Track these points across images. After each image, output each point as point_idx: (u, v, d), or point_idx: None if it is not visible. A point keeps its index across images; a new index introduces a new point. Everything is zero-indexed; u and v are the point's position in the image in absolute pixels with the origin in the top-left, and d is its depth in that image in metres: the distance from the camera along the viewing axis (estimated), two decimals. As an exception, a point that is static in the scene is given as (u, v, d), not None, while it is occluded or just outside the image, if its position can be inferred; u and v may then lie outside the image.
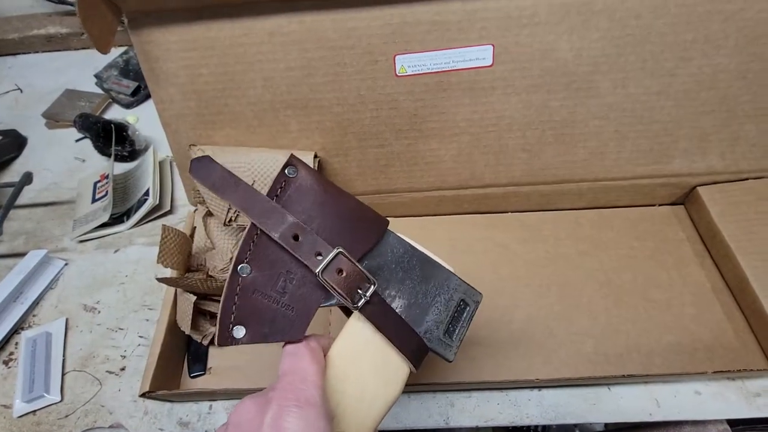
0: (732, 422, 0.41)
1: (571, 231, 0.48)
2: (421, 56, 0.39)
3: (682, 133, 0.43)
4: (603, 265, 0.46)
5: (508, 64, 0.39)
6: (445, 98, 0.41)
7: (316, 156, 0.43)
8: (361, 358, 0.25)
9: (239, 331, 0.24)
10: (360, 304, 0.25)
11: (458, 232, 0.49)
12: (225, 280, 0.37)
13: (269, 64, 0.39)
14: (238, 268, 0.25)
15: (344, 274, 0.25)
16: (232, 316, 0.24)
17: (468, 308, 0.27)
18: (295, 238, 0.25)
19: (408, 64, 0.39)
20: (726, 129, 0.43)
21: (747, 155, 0.45)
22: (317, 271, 0.24)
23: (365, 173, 0.46)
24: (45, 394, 0.41)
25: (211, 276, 0.42)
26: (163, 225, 0.38)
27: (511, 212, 0.50)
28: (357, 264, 0.25)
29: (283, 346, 0.25)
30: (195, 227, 0.45)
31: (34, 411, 0.41)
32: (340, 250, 0.25)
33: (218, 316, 0.24)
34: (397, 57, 0.39)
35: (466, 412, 0.39)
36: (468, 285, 0.28)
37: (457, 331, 0.27)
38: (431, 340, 0.26)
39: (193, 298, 0.38)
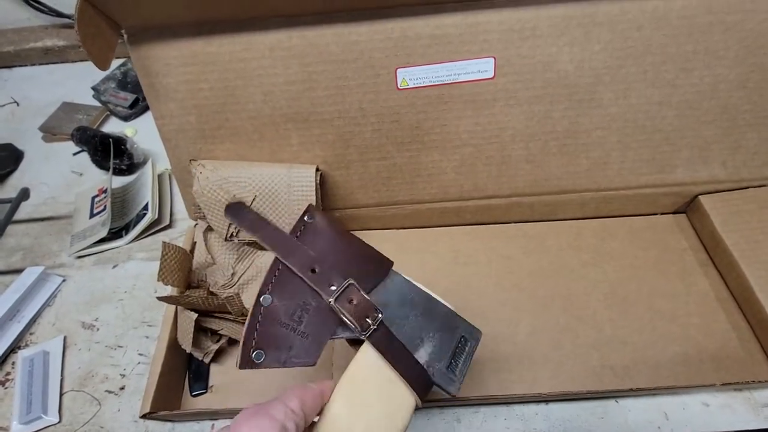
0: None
1: (574, 241, 0.48)
2: (423, 69, 0.39)
3: (684, 143, 0.43)
4: (607, 275, 0.46)
5: (509, 76, 0.39)
6: (447, 110, 0.41)
7: (317, 170, 0.42)
8: (369, 384, 0.26)
9: (259, 356, 0.27)
10: (369, 332, 0.27)
11: (461, 244, 0.49)
12: (226, 296, 0.36)
13: (270, 78, 0.39)
14: (261, 298, 0.27)
15: (354, 303, 0.27)
16: (254, 341, 0.27)
17: (469, 344, 0.29)
18: (313, 270, 0.28)
19: (409, 77, 0.39)
20: (727, 138, 0.43)
21: (748, 163, 0.45)
22: (331, 299, 0.27)
23: (367, 186, 0.46)
24: (43, 416, 0.40)
25: (212, 292, 0.41)
26: (164, 242, 0.37)
27: (514, 223, 0.50)
28: (366, 295, 0.28)
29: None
30: (195, 242, 0.45)
31: (32, 433, 0.40)
32: (351, 281, 0.28)
33: (241, 341, 0.27)
34: (398, 70, 0.39)
35: (473, 428, 0.39)
36: (468, 323, 0.30)
37: (459, 366, 0.28)
38: (434, 374, 0.27)
39: (194, 315, 0.38)
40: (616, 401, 0.39)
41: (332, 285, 0.28)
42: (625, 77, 0.40)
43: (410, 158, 0.44)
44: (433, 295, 0.30)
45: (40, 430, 0.40)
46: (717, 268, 0.45)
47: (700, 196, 0.47)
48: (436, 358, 0.28)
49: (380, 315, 0.27)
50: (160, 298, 0.36)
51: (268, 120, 0.41)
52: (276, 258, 0.29)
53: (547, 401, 0.39)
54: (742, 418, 0.38)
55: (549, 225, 0.50)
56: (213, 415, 0.39)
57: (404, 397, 0.27)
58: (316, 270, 0.28)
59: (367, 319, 0.27)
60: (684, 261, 0.46)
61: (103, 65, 0.35)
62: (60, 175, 0.61)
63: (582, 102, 0.41)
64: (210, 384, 0.42)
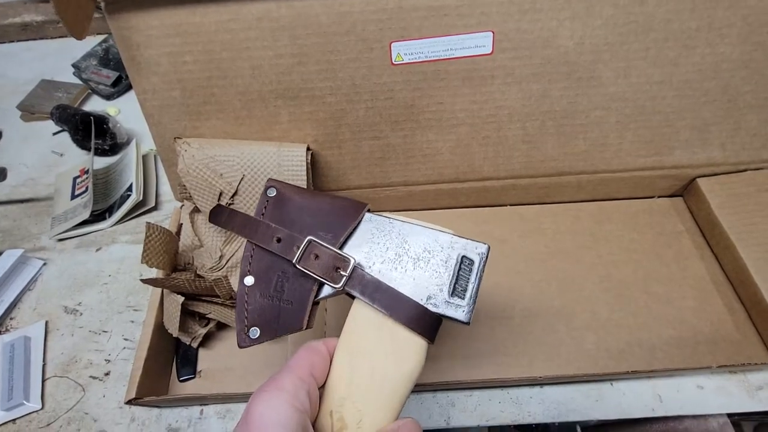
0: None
1: (570, 224, 0.48)
2: (418, 43, 0.37)
3: (684, 124, 0.43)
4: (603, 258, 0.45)
5: (508, 51, 0.38)
6: (443, 88, 0.40)
7: (308, 149, 0.41)
8: (366, 336, 0.25)
9: (255, 332, 0.28)
10: (342, 282, 0.26)
11: (456, 227, 0.47)
12: (214, 279, 0.35)
13: (258, 51, 0.37)
14: (244, 280, 0.28)
15: (319, 258, 0.27)
16: (246, 320, 0.28)
17: (473, 263, 0.26)
18: (278, 240, 0.28)
19: (404, 51, 0.38)
20: (727, 119, 0.42)
21: (747, 146, 0.44)
22: (294, 260, 0.27)
23: (360, 166, 0.44)
24: (25, 402, 0.39)
25: (199, 275, 0.40)
26: (147, 222, 0.36)
27: (510, 205, 0.49)
28: (330, 247, 0.27)
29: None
30: (181, 224, 0.43)
31: (14, 420, 0.39)
32: (310, 237, 0.27)
33: (235, 322, 0.28)
34: (393, 44, 0.37)
35: (467, 412, 0.38)
36: (465, 239, 0.27)
37: (468, 289, 0.26)
38: (437, 305, 0.25)
39: (181, 299, 0.37)
40: (611, 384, 0.39)
41: (297, 246, 0.27)
42: (626, 55, 0.39)
43: (404, 138, 0.43)
44: (418, 222, 0.28)
45: (23, 416, 0.39)
46: (713, 251, 0.45)
47: (697, 179, 0.46)
48: (435, 289, 0.26)
49: (351, 262, 0.26)
50: (144, 281, 0.34)
51: (256, 96, 0.39)
52: (247, 241, 0.29)
53: (542, 384, 0.39)
54: (737, 401, 0.38)
55: (545, 208, 0.49)
56: (202, 400, 0.38)
57: (408, 339, 0.25)
58: (281, 238, 0.28)
59: (339, 270, 0.26)
60: (680, 244, 0.46)
61: (78, 34, 0.33)
62: (39, 156, 0.59)
63: (581, 80, 0.40)
64: (198, 369, 0.41)
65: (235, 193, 0.39)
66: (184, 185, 0.40)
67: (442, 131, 0.42)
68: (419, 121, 0.41)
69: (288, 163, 0.39)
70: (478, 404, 0.38)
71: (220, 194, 0.39)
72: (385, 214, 0.29)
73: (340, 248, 0.27)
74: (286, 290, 0.28)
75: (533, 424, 0.75)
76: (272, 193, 0.30)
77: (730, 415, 0.43)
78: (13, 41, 0.76)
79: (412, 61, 0.38)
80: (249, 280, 0.28)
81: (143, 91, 0.39)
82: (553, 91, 0.40)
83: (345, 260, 0.26)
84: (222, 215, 0.31)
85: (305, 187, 0.40)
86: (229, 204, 0.39)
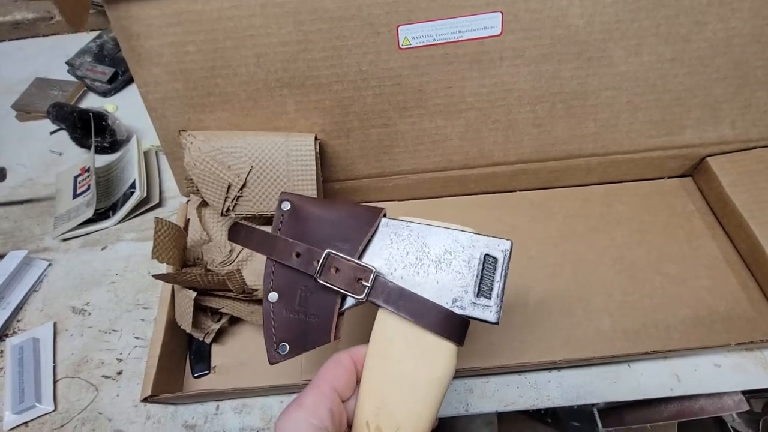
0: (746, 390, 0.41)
1: (580, 208, 0.47)
2: (426, 26, 0.36)
3: (695, 102, 0.42)
4: (615, 241, 0.45)
5: (517, 32, 0.37)
6: (452, 71, 0.39)
7: (316, 138, 0.40)
8: (394, 343, 0.25)
9: (284, 348, 0.28)
10: (365, 293, 0.26)
11: (465, 214, 0.47)
12: (227, 272, 0.35)
13: (262, 38, 0.36)
14: (268, 296, 0.28)
15: (340, 271, 0.26)
16: (274, 336, 0.28)
17: (497, 261, 0.25)
18: (297, 255, 0.28)
19: (412, 35, 0.37)
20: (738, 96, 0.42)
21: (757, 123, 0.44)
22: (314, 274, 0.27)
23: (368, 155, 0.44)
24: (37, 404, 0.39)
25: (209, 270, 0.39)
26: (156, 218, 0.35)
27: (519, 191, 0.49)
28: (349, 258, 0.26)
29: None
30: (188, 219, 0.42)
31: (26, 422, 0.38)
32: (328, 250, 0.27)
33: (264, 339, 0.28)
34: (400, 28, 0.36)
35: (486, 398, 0.38)
36: (486, 236, 0.26)
37: (493, 288, 0.25)
38: (464, 307, 0.25)
39: (193, 294, 0.36)
40: (629, 365, 0.39)
41: (317, 260, 0.27)
42: (637, 32, 0.38)
43: (413, 124, 0.42)
44: (436, 223, 0.27)
45: (35, 419, 0.39)
46: (725, 230, 0.45)
47: (707, 158, 0.46)
48: (460, 291, 0.25)
49: (372, 271, 0.26)
50: (156, 276, 0.34)
51: (262, 85, 0.38)
52: (267, 258, 0.29)
53: (559, 368, 0.39)
54: (754, 378, 0.38)
55: (554, 192, 0.49)
56: (218, 396, 0.37)
57: (437, 344, 0.25)
58: (300, 253, 0.27)
59: (361, 281, 0.26)
60: (691, 224, 0.46)
61: (77, 24, 0.32)
62: (37, 156, 0.58)
63: (591, 60, 0.39)
64: (212, 365, 0.40)
65: (243, 185, 0.38)
66: (191, 179, 0.39)
67: (451, 116, 0.42)
68: (428, 106, 0.41)
69: (296, 152, 0.38)
70: (496, 390, 0.38)
71: (229, 187, 0.38)
72: (402, 218, 0.28)
73: (360, 257, 0.27)
74: (310, 304, 0.28)
75: (542, 409, 0.75)
76: (287, 206, 0.29)
77: (744, 393, 0.43)
78: (4, 40, 0.74)
79: (419, 44, 0.37)
80: (273, 297, 0.28)
81: (145, 84, 0.38)
82: (564, 71, 0.40)
83: (365, 270, 0.26)
84: (240, 233, 0.31)
85: (314, 177, 0.39)
86: (238, 196, 0.38)
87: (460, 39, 0.37)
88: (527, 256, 0.44)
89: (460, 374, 0.38)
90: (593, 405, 0.61)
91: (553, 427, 0.81)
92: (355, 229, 0.28)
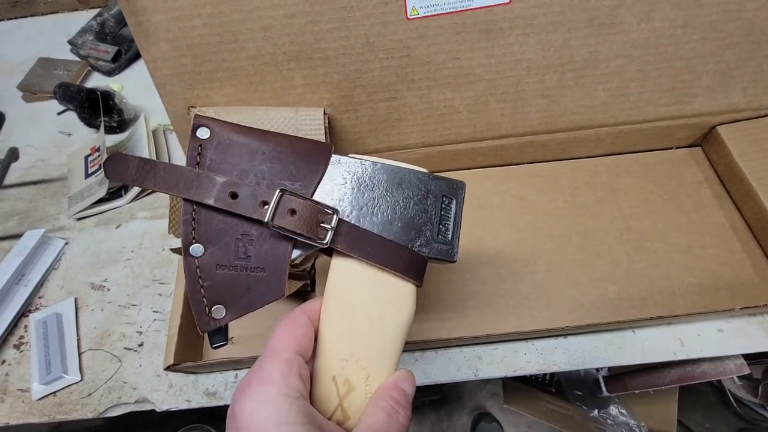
0: (752, 355, 0.42)
1: (588, 179, 0.47)
2: (434, -5, 0.36)
3: (706, 69, 0.42)
4: (622, 211, 0.45)
5: (527, 0, 0.36)
6: (460, 42, 0.38)
7: (325, 112, 0.40)
8: (357, 290, 0.24)
9: (219, 312, 0.24)
10: (328, 238, 0.23)
11: (474, 187, 0.48)
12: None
13: (268, 11, 0.36)
14: (190, 249, 0.23)
15: (297, 213, 0.23)
16: (204, 299, 0.23)
17: (453, 201, 0.25)
18: (233, 196, 0.23)
19: (420, 4, 0.36)
20: (751, 62, 0.41)
21: (769, 90, 0.43)
22: (266, 220, 0.22)
23: (377, 129, 0.44)
24: (64, 375, 0.40)
25: (224, 245, 0.40)
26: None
27: (527, 163, 0.49)
28: (309, 198, 0.23)
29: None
30: (201, 196, 0.43)
31: (54, 392, 0.40)
32: (282, 189, 0.23)
33: (190, 303, 0.23)
34: (408, -3, 0.36)
35: (494, 364, 0.39)
36: (444, 179, 0.26)
37: (451, 229, 0.25)
38: (422, 247, 0.25)
39: (209, 267, 0.37)
40: (633, 332, 0.40)
41: (264, 203, 0.23)
42: (650, -3, 0.37)
43: (421, 97, 0.42)
44: (394, 163, 0.26)
45: (63, 388, 0.40)
46: (732, 199, 0.45)
47: (717, 127, 0.45)
48: (420, 232, 0.25)
49: (335, 215, 0.23)
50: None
51: (269, 59, 0.38)
52: (183, 199, 0.23)
53: (565, 335, 0.40)
54: (756, 341, 0.39)
55: (562, 164, 0.49)
56: (237, 364, 0.39)
57: (402, 287, 0.24)
58: (237, 193, 0.23)
59: (322, 225, 0.23)
60: (699, 194, 0.46)
61: (84, 2, 0.32)
62: (47, 136, 0.58)
63: (602, 27, 0.38)
64: (230, 336, 0.41)
65: (254, 161, 0.39)
66: (202, 155, 0.40)
67: (460, 88, 0.41)
68: (436, 78, 0.40)
69: (306, 127, 0.39)
70: (504, 356, 0.40)
71: (240, 162, 0.38)
72: (352, 155, 0.26)
73: (311, 197, 0.24)
74: (253, 256, 0.23)
75: (546, 379, 0.77)
76: (204, 134, 0.24)
77: (744, 358, 0.44)
78: (2, 19, 0.74)
79: (428, 14, 0.37)
80: (197, 249, 0.23)
81: (153, 60, 0.38)
82: (573, 40, 0.39)
83: (327, 212, 0.23)
84: (127, 168, 0.23)
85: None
86: (250, 172, 0.39)
87: (468, 8, 0.37)
88: (535, 227, 0.45)
89: (469, 342, 0.40)
90: (598, 370, 0.62)
91: (556, 396, 0.84)
92: (302, 166, 0.24)
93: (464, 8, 0.37)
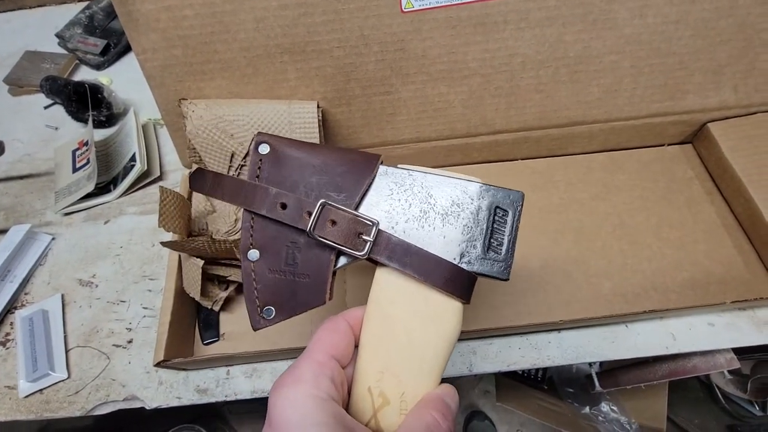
0: (741, 351, 0.43)
1: (582, 176, 0.48)
2: (429, -12, 0.36)
3: (698, 66, 0.42)
4: (616, 207, 0.45)
5: (522, -6, 0.36)
6: (455, 36, 0.38)
7: (318, 106, 0.40)
8: (397, 303, 0.23)
9: (269, 312, 0.25)
10: (367, 249, 0.23)
11: (468, 183, 0.48)
12: (234, 240, 0.35)
13: (261, 2, 0.35)
14: (247, 254, 0.25)
15: (337, 224, 0.24)
16: (257, 300, 0.25)
17: (507, 213, 0.24)
18: (283, 206, 0.24)
19: (415, -3, 0.36)
20: (741, 60, 0.42)
21: (759, 88, 0.44)
22: (308, 229, 0.24)
23: (370, 124, 0.43)
24: (50, 372, 0.39)
25: (216, 240, 0.40)
26: (161, 186, 0.35)
27: (521, 159, 0.49)
28: (348, 210, 0.24)
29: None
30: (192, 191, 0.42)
31: (41, 390, 0.39)
32: (324, 200, 0.24)
33: (246, 303, 0.25)
34: (402, -11, 0.35)
35: (489, 359, 0.39)
36: (498, 189, 0.24)
37: (504, 243, 0.24)
38: (472, 263, 0.23)
39: (201, 262, 0.36)
40: (626, 326, 0.40)
41: (308, 213, 0.24)
42: (643, -7, 0.37)
43: (416, 92, 0.41)
44: (446, 173, 0.25)
45: (50, 386, 0.40)
46: (723, 195, 0.45)
47: (708, 124, 0.46)
48: (468, 246, 0.24)
49: (375, 227, 0.23)
50: (164, 244, 0.34)
51: (262, 51, 0.38)
52: (244, 210, 0.25)
53: (559, 329, 0.40)
54: (746, 336, 0.39)
55: (556, 160, 0.49)
56: (228, 360, 0.38)
57: (445, 303, 0.23)
58: (287, 204, 0.24)
59: (361, 236, 0.23)
60: (691, 190, 0.46)
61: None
62: (33, 130, 0.57)
63: (596, 23, 0.39)
64: (221, 332, 0.41)
65: (247, 154, 0.38)
66: (194, 148, 0.39)
67: (454, 83, 0.41)
68: (431, 72, 0.40)
69: (299, 120, 0.38)
70: (499, 351, 0.39)
71: (232, 155, 0.38)
72: (401, 165, 0.26)
73: (356, 209, 0.24)
74: (299, 263, 0.25)
75: (538, 376, 0.77)
76: (265, 150, 0.26)
77: (739, 353, 0.44)
78: (-12, 12, 0.72)
79: (422, 7, 0.36)
80: (254, 255, 0.25)
81: (143, 51, 0.37)
82: (568, 35, 0.39)
83: (367, 224, 0.23)
84: (205, 181, 0.26)
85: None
86: (242, 165, 0.38)
87: (463, 1, 0.36)
88: (530, 223, 0.45)
89: (464, 337, 0.40)
90: (591, 365, 0.63)
91: (548, 393, 0.84)
92: (349, 177, 0.25)
93: (459, 2, 0.36)
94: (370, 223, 0.23)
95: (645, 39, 0.40)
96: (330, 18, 0.36)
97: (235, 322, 0.41)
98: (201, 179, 0.26)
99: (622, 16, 0.38)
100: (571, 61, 0.41)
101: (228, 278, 0.39)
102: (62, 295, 0.44)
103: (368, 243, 0.23)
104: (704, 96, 0.44)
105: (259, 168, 0.26)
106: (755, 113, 0.46)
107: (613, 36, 0.39)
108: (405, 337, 0.23)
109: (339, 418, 0.19)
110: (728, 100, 0.45)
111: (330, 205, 0.24)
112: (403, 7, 0.36)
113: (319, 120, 0.39)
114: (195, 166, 0.42)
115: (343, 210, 0.24)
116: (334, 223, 0.24)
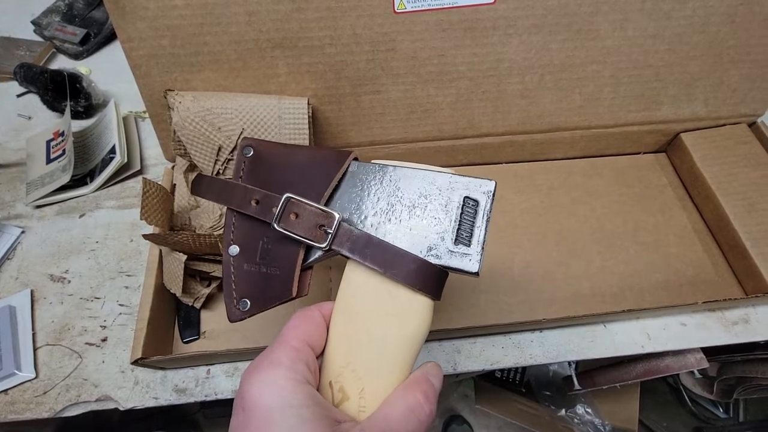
0: (709, 353, 0.45)
1: (563, 180, 0.49)
2: (422, -10, 0.36)
3: (672, 79, 0.44)
4: (595, 211, 0.47)
5: (510, 1, 0.38)
6: (445, 39, 0.39)
7: (308, 102, 0.39)
8: (362, 298, 0.23)
9: (245, 304, 0.26)
10: (327, 241, 0.23)
11: (454, 184, 0.48)
12: (219, 235, 0.34)
13: (254, -4, 0.35)
14: (229, 249, 0.26)
15: (300, 217, 0.24)
16: (234, 292, 0.26)
17: (479, 204, 0.23)
18: (256, 202, 0.25)
19: (407, -1, 0.37)
20: (712, 74, 0.44)
21: (727, 101, 0.47)
22: (272, 222, 0.24)
23: (359, 123, 0.44)
24: (16, 372, 0.37)
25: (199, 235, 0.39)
26: (144, 178, 0.34)
27: (506, 163, 0.50)
28: (310, 203, 0.24)
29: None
30: (175, 185, 0.41)
31: (6, 390, 0.37)
32: (288, 195, 0.24)
33: (224, 295, 0.26)
34: (395, -9, 0.36)
35: (473, 358, 0.40)
36: (468, 177, 0.23)
37: (474, 235, 0.23)
38: (439, 256, 0.22)
39: (183, 257, 0.35)
40: (605, 326, 0.41)
41: (275, 207, 0.25)
42: (624, 7, 0.39)
43: (405, 92, 0.42)
44: (417, 165, 0.24)
45: (15, 386, 0.37)
46: (694, 202, 0.48)
47: (681, 134, 0.48)
48: (436, 238, 0.23)
49: (335, 217, 0.23)
50: (146, 236, 0.33)
51: (252, 45, 0.37)
52: (227, 208, 0.26)
53: (541, 329, 0.41)
54: (715, 335, 0.41)
55: (538, 165, 0.50)
56: (209, 359, 0.37)
57: (410, 298, 0.22)
58: (258, 200, 0.25)
59: (323, 228, 0.23)
60: (664, 196, 0.48)
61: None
62: (4, 119, 0.54)
63: (580, 33, 0.40)
64: (202, 330, 0.40)
65: (234, 148, 0.38)
66: (179, 140, 0.38)
67: (443, 85, 0.42)
68: (420, 74, 0.41)
69: (289, 116, 0.38)
70: (483, 350, 0.40)
71: (219, 149, 0.37)
72: (375, 161, 0.25)
73: (327, 204, 0.25)
74: (271, 256, 0.25)
75: (516, 380, 0.78)
76: (249, 152, 0.27)
77: (710, 354, 0.46)
78: (-42, -4, 0.69)
79: (415, 9, 0.37)
80: (234, 250, 0.26)
81: (129, 39, 0.36)
82: (553, 43, 0.40)
83: (328, 216, 0.24)
84: (202, 184, 0.28)
85: (307, 141, 0.39)
86: (229, 159, 0.38)
87: (454, 5, 0.37)
88: (513, 225, 0.46)
89: (448, 336, 0.40)
90: (570, 365, 0.64)
91: (526, 396, 0.85)
92: (320, 174, 0.25)
93: (450, 5, 0.37)
94: (331, 216, 0.24)
95: (624, 50, 0.42)
96: (323, 15, 0.37)
97: (216, 321, 0.40)
98: (198, 183, 0.28)
99: (604, 28, 0.40)
100: (556, 69, 0.42)
101: (211, 274, 0.38)
102: (31, 291, 0.42)
103: (329, 235, 0.23)
104: (677, 107, 0.46)
105: (242, 169, 0.27)
106: (724, 125, 0.49)
107: (596, 46, 0.41)
108: (365, 332, 0.22)
109: (317, 400, 0.19)
110: (699, 111, 0.47)
111: (294, 199, 0.24)
112: (395, 8, 0.37)
113: (309, 116, 0.38)
114: (179, 159, 0.41)
115: (306, 203, 0.24)
116: (297, 215, 0.24)
